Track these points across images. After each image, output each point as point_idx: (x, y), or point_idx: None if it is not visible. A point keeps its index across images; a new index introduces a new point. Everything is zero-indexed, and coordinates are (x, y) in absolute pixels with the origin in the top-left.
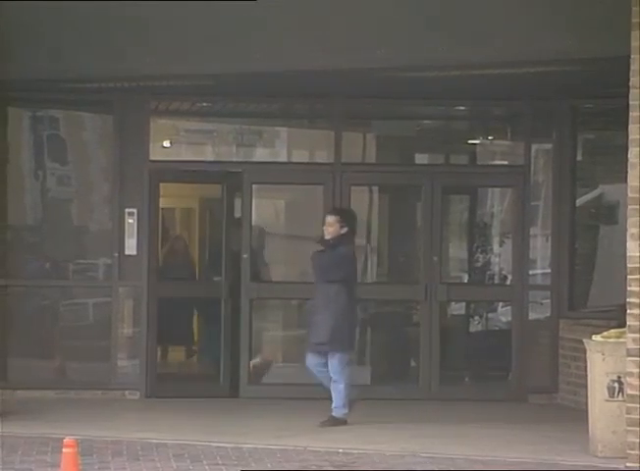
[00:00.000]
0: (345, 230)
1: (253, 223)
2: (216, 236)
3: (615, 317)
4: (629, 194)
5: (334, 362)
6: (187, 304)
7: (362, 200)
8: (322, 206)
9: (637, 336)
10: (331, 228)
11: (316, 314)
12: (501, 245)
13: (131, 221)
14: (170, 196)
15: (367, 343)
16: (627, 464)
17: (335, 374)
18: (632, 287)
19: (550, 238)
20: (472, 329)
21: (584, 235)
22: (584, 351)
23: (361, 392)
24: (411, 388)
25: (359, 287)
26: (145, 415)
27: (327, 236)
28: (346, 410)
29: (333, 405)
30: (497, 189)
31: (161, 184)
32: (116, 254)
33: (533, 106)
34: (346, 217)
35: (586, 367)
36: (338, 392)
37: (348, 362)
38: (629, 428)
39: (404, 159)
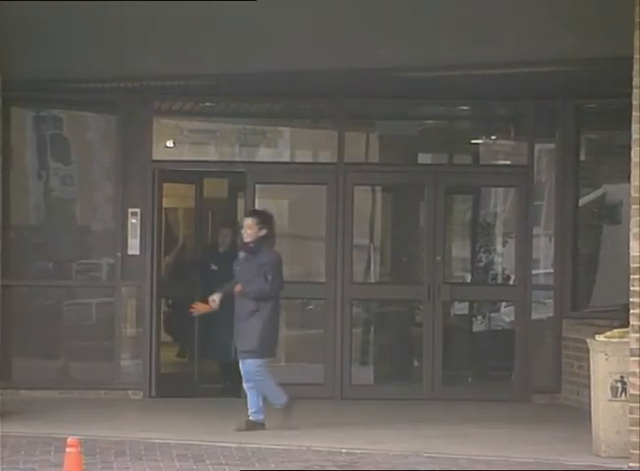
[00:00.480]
0: (263, 232)
1: None
2: (213, 236)
3: (618, 317)
4: (632, 194)
5: (252, 366)
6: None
7: (365, 200)
8: (325, 206)
9: (639, 335)
10: (250, 230)
11: (242, 321)
12: (504, 245)
13: (134, 221)
14: (173, 196)
15: (370, 343)
16: (630, 464)
17: (248, 376)
18: (635, 287)
19: (553, 238)
20: (475, 329)
21: (587, 235)
22: (587, 351)
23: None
24: (414, 388)
25: (363, 287)
26: (148, 415)
27: (246, 239)
28: (263, 413)
29: (250, 410)
30: (500, 189)
31: (164, 184)
32: (119, 254)
33: (536, 106)
34: (265, 219)
35: (589, 367)
36: (253, 392)
37: (263, 364)
38: (632, 428)
39: (408, 159)
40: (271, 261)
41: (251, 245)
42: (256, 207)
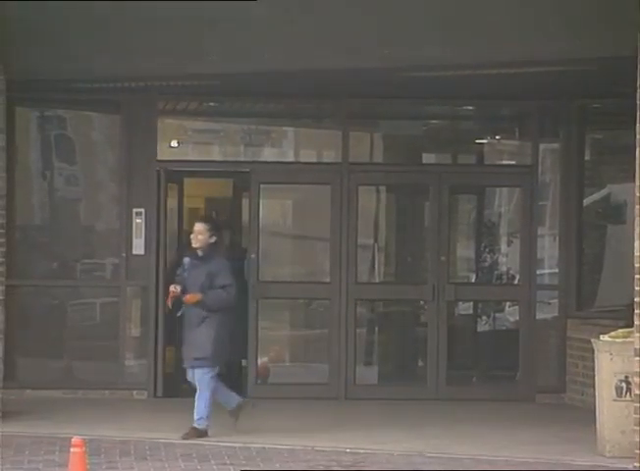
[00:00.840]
0: (213, 239)
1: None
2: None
3: (623, 317)
4: (636, 194)
5: (202, 374)
6: None
7: (370, 200)
8: (330, 206)
9: None
10: (201, 236)
11: (193, 329)
12: (508, 245)
13: (138, 221)
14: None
15: (374, 343)
16: (635, 464)
17: (202, 384)
18: (638, 287)
19: (557, 238)
20: (480, 329)
21: (592, 235)
22: (592, 351)
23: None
24: (418, 388)
25: (367, 287)
26: (153, 415)
27: (195, 245)
28: (209, 422)
29: (196, 417)
30: (504, 189)
31: (168, 184)
32: (123, 254)
33: (541, 106)
34: (216, 226)
35: (594, 367)
36: (203, 400)
37: (216, 374)
38: (637, 427)
39: (412, 159)
40: (224, 268)
41: (200, 252)
42: (260, 207)
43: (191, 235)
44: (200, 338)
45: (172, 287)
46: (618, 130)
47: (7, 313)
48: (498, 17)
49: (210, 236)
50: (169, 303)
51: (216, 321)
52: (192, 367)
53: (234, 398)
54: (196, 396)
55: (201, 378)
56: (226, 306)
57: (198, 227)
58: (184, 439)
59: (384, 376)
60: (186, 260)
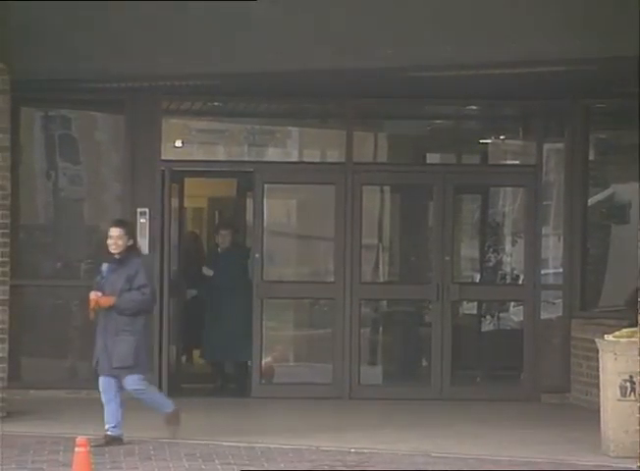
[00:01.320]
0: (131, 242)
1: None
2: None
3: (627, 316)
4: None
5: (135, 383)
6: (201, 303)
7: (374, 200)
8: (334, 206)
9: None
10: (120, 241)
11: (113, 336)
12: (512, 245)
13: (142, 220)
14: (181, 196)
15: (379, 343)
16: (638, 464)
17: (139, 390)
18: None
19: (561, 238)
20: (484, 328)
21: (596, 235)
22: (596, 351)
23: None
24: (423, 387)
25: (372, 287)
26: (157, 414)
27: (115, 250)
28: (172, 404)
29: (161, 410)
30: (509, 189)
31: (172, 184)
32: None
33: (545, 105)
34: (131, 228)
35: (598, 367)
36: (152, 401)
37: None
38: (639, 427)
39: (416, 159)
40: (141, 269)
41: (117, 257)
42: (264, 207)
43: (109, 242)
44: (121, 346)
45: (92, 295)
46: (623, 130)
47: (11, 313)
48: (499, 17)
49: (128, 240)
50: (91, 312)
51: (137, 328)
52: (113, 376)
53: (114, 420)
54: (145, 402)
55: (133, 385)
56: (143, 308)
57: (116, 232)
58: (173, 435)
59: (388, 376)
60: (104, 266)
